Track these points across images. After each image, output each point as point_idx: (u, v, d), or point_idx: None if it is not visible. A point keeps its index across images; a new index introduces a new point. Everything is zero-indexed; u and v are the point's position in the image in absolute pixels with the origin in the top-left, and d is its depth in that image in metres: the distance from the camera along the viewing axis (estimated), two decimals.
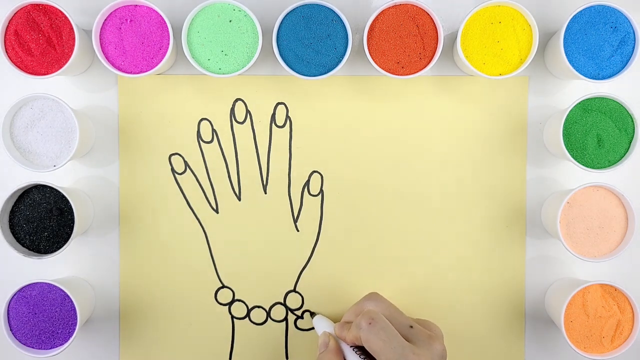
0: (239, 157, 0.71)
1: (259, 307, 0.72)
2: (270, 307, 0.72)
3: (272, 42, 0.66)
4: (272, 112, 0.71)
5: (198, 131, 0.71)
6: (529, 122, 0.71)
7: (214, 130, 0.71)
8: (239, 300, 0.72)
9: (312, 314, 0.71)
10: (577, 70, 0.65)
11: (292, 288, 0.72)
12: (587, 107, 0.66)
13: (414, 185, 0.71)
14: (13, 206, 0.67)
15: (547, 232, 0.71)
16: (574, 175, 0.71)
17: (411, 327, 0.62)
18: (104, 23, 0.66)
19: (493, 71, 0.66)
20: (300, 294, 0.72)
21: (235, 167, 0.71)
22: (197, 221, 0.72)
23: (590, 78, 0.65)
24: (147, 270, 0.72)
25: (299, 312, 0.72)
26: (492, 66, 0.66)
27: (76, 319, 0.66)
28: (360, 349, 0.62)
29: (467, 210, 0.71)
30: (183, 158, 0.71)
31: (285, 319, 0.72)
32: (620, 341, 0.67)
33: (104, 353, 0.72)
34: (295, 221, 0.72)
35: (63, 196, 0.66)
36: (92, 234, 0.72)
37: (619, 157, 0.66)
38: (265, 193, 0.72)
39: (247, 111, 0.71)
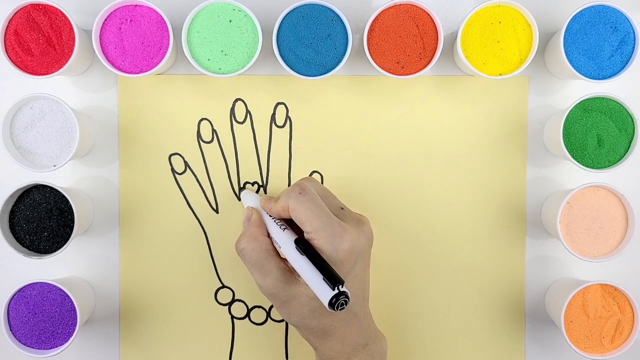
0: (239, 157, 0.71)
1: (259, 307, 0.72)
2: (270, 307, 0.72)
3: (272, 42, 0.66)
4: (272, 112, 0.71)
5: (198, 131, 0.71)
6: (529, 122, 0.71)
7: (214, 130, 0.71)
8: (239, 300, 0.72)
9: (241, 189, 0.71)
10: (577, 70, 0.65)
11: None
12: (587, 107, 0.66)
13: (414, 185, 0.71)
14: (13, 206, 0.67)
15: (547, 232, 0.71)
16: (574, 175, 0.71)
17: (342, 208, 0.64)
18: (104, 23, 0.66)
19: (493, 71, 0.66)
20: None
21: (235, 167, 0.71)
22: (197, 221, 0.72)
23: (590, 78, 0.65)
24: (147, 270, 0.71)
25: None
26: (492, 66, 0.66)
27: (76, 319, 0.66)
28: (284, 223, 0.63)
29: (467, 210, 0.71)
30: (183, 158, 0.71)
31: None
32: (620, 341, 0.67)
33: (104, 353, 0.72)
34: None
35: (63, 196, 0.66)
36: (92, 234, 0.72)
37: (619, 157, 0.66)
38: (265, 193, 0.72)
39: (247, 111, 0.71)
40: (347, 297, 0.55)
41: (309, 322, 0.61)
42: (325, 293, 0.56)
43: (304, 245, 0.59)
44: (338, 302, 0.55)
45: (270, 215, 0.64)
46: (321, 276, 0.57)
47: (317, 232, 0.59)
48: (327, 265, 0.57)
